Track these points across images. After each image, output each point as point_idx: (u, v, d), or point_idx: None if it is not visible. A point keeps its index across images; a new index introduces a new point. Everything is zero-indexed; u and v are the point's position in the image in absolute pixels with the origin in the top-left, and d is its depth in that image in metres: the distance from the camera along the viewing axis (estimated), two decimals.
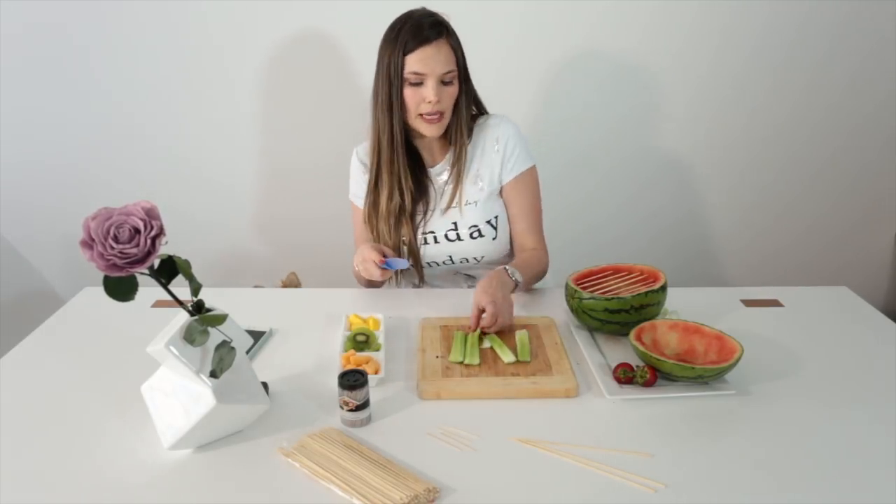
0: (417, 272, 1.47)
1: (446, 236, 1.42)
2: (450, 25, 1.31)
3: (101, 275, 0.82)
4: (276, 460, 0.92)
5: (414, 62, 1.27)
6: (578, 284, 1.25)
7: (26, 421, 1.02)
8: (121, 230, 0.80)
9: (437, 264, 1.46)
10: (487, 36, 1.87)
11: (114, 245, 0.79)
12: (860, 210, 2.23)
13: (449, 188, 1.42)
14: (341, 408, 0.98)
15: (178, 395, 0.91)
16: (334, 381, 1.00)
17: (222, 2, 1.88)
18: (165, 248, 0.83)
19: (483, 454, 0.93)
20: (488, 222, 1.42)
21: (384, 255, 1.32)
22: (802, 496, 0.86)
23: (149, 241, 0.80)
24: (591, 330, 1.25)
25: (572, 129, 2.08)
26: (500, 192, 1.45)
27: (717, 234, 2.25)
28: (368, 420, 1.00)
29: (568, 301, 1.26)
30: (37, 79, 1.95)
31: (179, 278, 0.87)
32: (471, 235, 1.41)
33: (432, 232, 1.43)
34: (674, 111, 2.06)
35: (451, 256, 1.44)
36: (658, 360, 1.05)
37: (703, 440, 0.97)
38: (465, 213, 1.41)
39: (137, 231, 0.80)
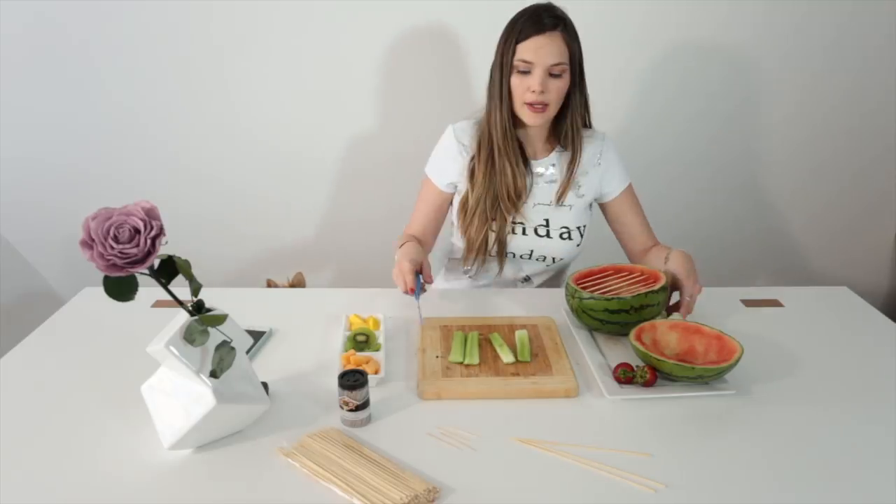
0: (499, 262, 1.47)
1: (535, 231, 1.44)
2: (569, 21, 1.32)
3: (101, 275, 0.82)
4: (276, 460, 0.92)
5: (523, 50, 1.29)
6: (578, 284, 1.25)
7: (26, 421, 1.02)
8: (121, 230, 0.80)
9: (514, 256, 1.48)
10: None
11: (114, 245, 0.79)
12: (860, 210, 2.23)
13: (550, 186, 1.43)
14: (341, 408, 0.98)
15: (178, 395, 0.91)
16: (334, 381, 1.00)
17: (224, 0, 1.88)
18: (167, 248, 0.84)
19: (483, 454, 0.93)
20: (577, 228, 1.45)
21: (419, 271, 1.29)
22: (802, 496, 0.86)
23: (149, 241, 0.80)
24: (591, 330, 1.25)
25: None
26: (602, 206, 1.50)
27: (716, 234, 2.25)
28: (368, 420, 1.00)
29: (568, 301, 1.26)
30: (37, 78, 1.95)
31: (179, 278, 0.87)
32: (560, 235, 1.44)
33: (521, 223, 1.44)
34: (674, 111, 2.06)
35: (531, 251, 1.46)
36: (658, 360, 1.05)
37: (703, 440, 0.97)
38: (560, 213, 1.44)
39: (137, 231, 0.81)
